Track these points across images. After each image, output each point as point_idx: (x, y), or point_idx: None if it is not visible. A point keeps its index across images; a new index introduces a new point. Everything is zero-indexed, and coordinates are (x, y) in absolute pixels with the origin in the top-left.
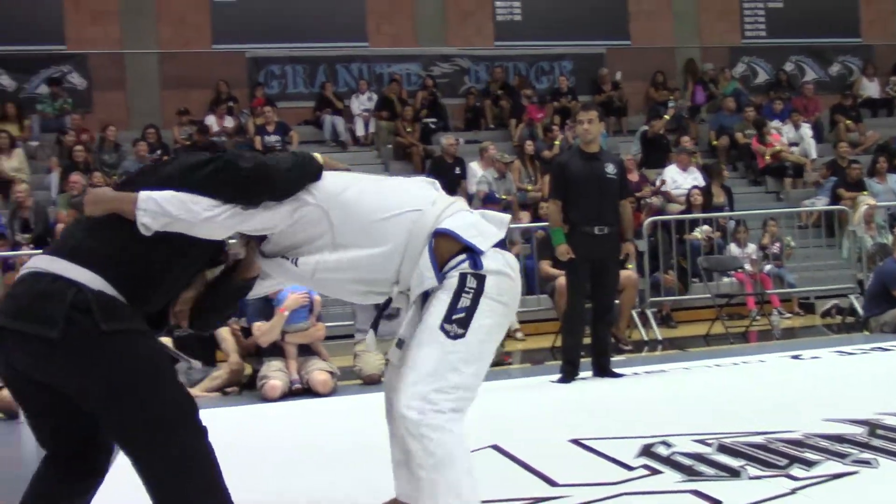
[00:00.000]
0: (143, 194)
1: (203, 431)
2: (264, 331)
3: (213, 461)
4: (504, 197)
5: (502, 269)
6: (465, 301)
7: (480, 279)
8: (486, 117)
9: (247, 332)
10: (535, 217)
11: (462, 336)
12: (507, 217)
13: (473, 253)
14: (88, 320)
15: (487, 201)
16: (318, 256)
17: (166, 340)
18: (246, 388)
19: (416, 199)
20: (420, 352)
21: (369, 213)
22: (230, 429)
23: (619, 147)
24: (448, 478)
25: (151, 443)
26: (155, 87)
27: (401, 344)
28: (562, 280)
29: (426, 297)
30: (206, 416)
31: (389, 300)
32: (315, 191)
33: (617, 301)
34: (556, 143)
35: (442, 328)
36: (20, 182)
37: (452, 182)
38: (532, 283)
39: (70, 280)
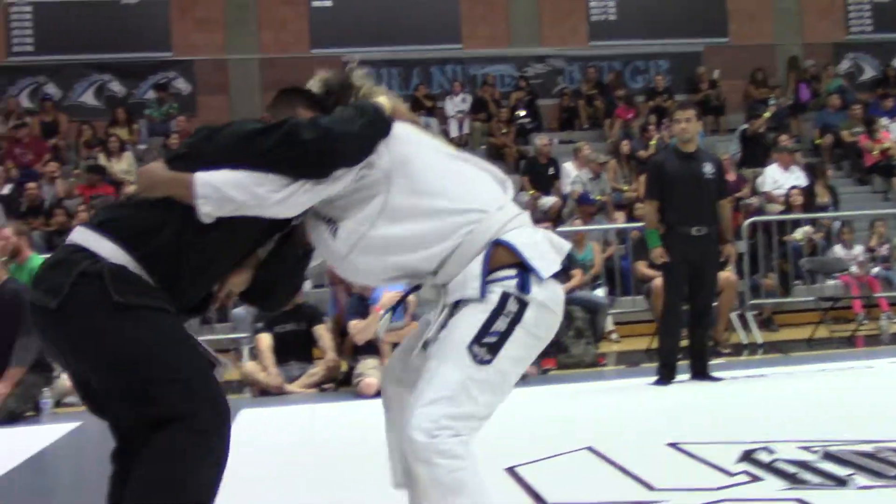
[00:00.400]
0: (200, 179)
1: (207, 433)
2: (360, 329)
3: (207, 465)
4: (598, 197)
5: (547, 303)
6: (500, 325)
7: (522, 305)
8: (581, 117)
9: (342, 330)
10: (631, 217)
11: (488, 362)
12: (567, 245)
13: (525, 272)
14: (98, 290)
15: (581, 202)
16: (363, 230)
17: (266, 337)
18: (342, 384)
19: (482, 199)
20: (441, 369)
21: (431, 196)
22: (327, 424)
23: (717, 146)
24: None
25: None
26: (256, 91)
27: (427, 346)
28: (658, 281)
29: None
30: (304, 411)
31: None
32: (384, 152)
33: (715, 303)
34: (652, 142)
35: (470, 349)
36: (129, 184)
37: (546, 183)
38: (627, 283)
39: (89, 251)
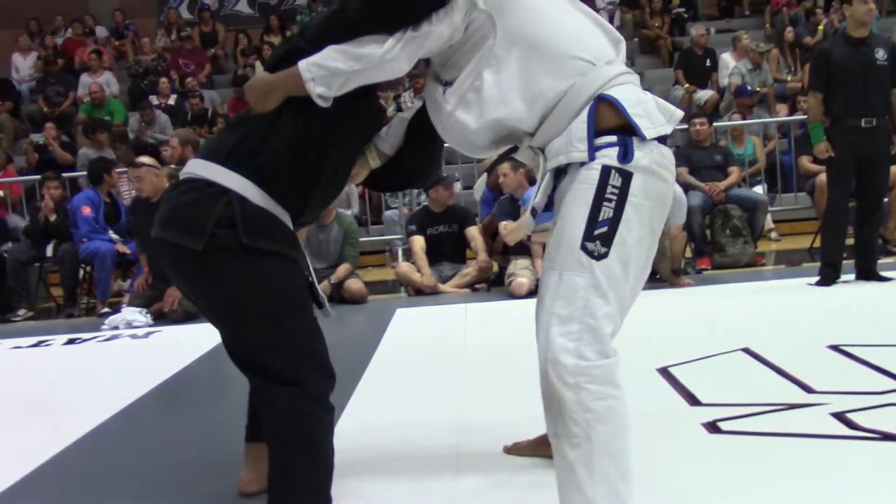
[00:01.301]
0: (303, 63)
1: (322, 399)
2: (511, 229)
3: (327, 427)
4: (759, 89)
5: (654, 169)
6: (606, 211)
7: (626, 177)
8: (742, 4)
9: (494, 232)
10: (793, 110)
11: (606, 255)
12: (679, 112)
13: (628, 136)
14: (231, 233)
15: (738, 94)
16: (470, 80)
17: (419, 239)
18: (494, 284)
19: (591, 49)
20: (564, 280)
21: (536, 39)
22: (479, 324)
23: (894, 29)
24: (603, 435)
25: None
26: None
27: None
28: (822, 177)
29: (559, 172)
30: (457, 311)
31: (514, 148)
32: None
33: (886, 199)
34: (820, 27)
35: (584, 247)
36: None
37: (703, 75)
38: (789, 180)
39: (222, 187)
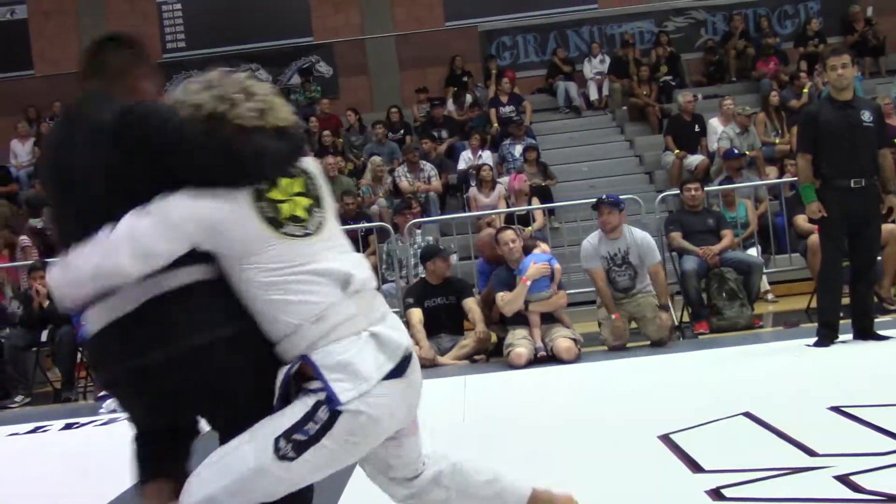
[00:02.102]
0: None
1: None
2: (508, 300)
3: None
4: (747, 152)
5: (368, 410)
6: (311, 427)
7: (333, 416)
8: (730, 70)
9: (491, 303)
10: (782, 172)
11: (290, 460)
12: (404, 343)
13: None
14: None
15: (727, 157)
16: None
17: (416, 311)
18: (492, 355)
19: (298, 312)
20: (240, 449)
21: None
22: (480, 395)
23: (878, 90)
24: None
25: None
26: (394, 70)
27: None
28: (815, 237)
29: None
30: (457, 383)
31: None
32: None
33: (879, 258)
34: (805, 91)
35: (276, 441)
36: None
37: (692, 140)
38: (782, 241)
39: None
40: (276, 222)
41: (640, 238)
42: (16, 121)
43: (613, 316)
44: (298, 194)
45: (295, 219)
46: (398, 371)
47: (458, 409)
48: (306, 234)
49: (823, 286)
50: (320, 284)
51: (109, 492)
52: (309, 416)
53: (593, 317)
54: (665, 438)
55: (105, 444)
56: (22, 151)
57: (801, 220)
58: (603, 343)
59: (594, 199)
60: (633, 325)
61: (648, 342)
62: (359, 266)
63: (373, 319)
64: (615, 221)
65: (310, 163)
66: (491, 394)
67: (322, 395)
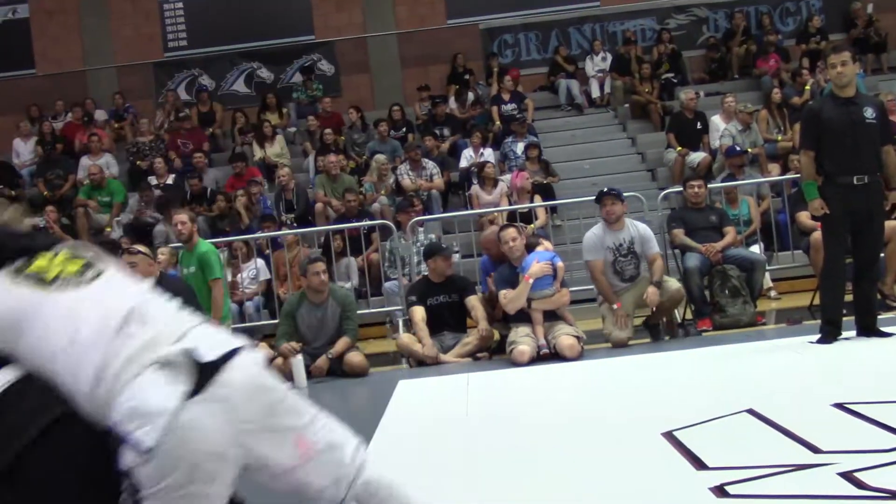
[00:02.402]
0: None
1: None
2: (510, 298)
3: None
4: (749, 150)
5: (171, 445)
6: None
7: (145, 462)
8: (732, 67)
9: (494, 300)
10: (785, 169)
11: None
12: (207, 356)
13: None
14: None
15: (730, 154)
16: None
17: (419, 309)
18: (495, 353)
19: (84, 372)
20: None
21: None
22: (483, 393)
23: (880, 87)
24: None
25: None
26: (396, 68)
27: None
28: (817, 234)
29: None
30: (460, 381)
31: None
32: None
33: (882, 254)
34: (807, 87)
35: None
36: (283, 166)
37: (695, 138)
38: (785, 238)
39: None
40: (44, 283)
41: (641, 229)
42: (18, 119)
43: (615, 305)
44: (65, 260)
45: (64, 275)
46: (200, 387)
47: (460, 406)
48: (80, 284)
49: (826, 283)
50: (97, 336)
51: None
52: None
53: (596, 314)
54: (668, 435)
55: None
56: (24, 150)
57: (804, 217)
58: (607, 339)
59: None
60: (638, 314)
61: (649, 339)
62: (140, 297)
63: (162, 346)
64: (618, 212)
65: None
66: (494, 391)
67: (130, 450)
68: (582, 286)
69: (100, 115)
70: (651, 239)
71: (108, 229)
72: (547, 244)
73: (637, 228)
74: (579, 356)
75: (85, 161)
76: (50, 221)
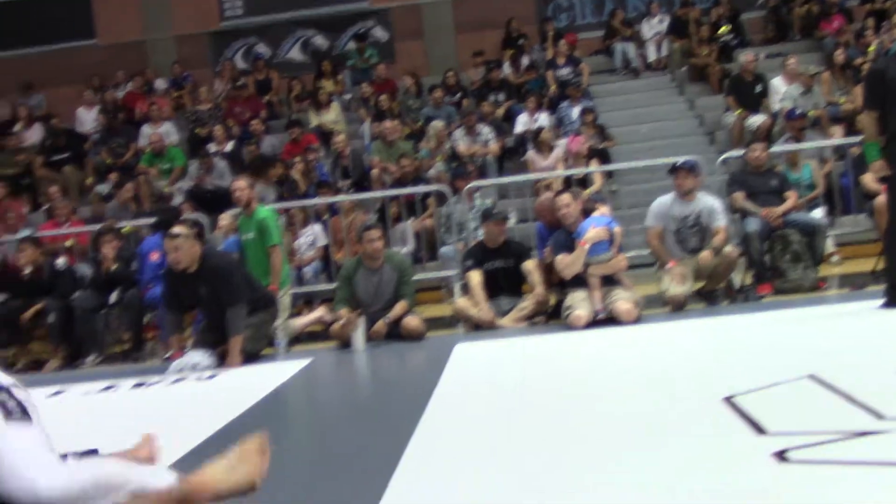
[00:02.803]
0: None
1: None
2: (567, 263)
3: None
4: (811, 112)
5: None
6: None
7: None
8: (793, 28)
9: (550, 266)
10: (849, 131)
11: None
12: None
13: None
14: None
15: (790, 118)
16: None
17: (476, 274)
18: (551, 317)
19: None
20: None
21: None
22: (539, 357)
23: None
24: None
25: None
26: (450, 34)
27: None
28: (881, 198)
29: None
30: (516, 344)
31: None
32: None
33: None
34: (871, 49)
35: None
36: (338, 133)
37: (754, 101)
38: (848, 202)
39: None
40: None
41: (710, 202)
42: (81, 89)
43: (670, 263)
44: None
45: None
46: None
47: (517, 370)
48: None
49: (890, 246)
50: None
51: (178, 449)
52: None
53: (654, 280)
54: (729, 401)
55: (172, 403)
56: (87, 119)
57: (868, 180)
58: (664, 300)
59: (654, 162)
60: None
61: (704, 304)
62: None
63: None
64: (689, 185)
65: None
66: (550, 355)
67: None
68: (640, 251)
69: (159, 84)
70: (719, 212)
71: (169, 195)
72: (603, 209)
73: (707, 201)
74: (636, 321)
75: (146, 129)
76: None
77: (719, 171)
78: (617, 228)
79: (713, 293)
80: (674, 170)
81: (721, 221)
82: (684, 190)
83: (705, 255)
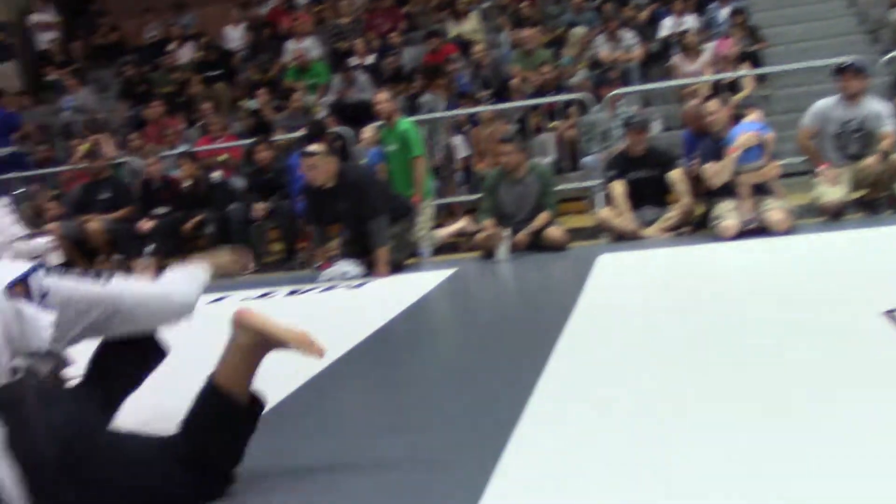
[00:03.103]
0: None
1: None
2: (715, 171)
3: None
4: None
5: None
6: None
7: None
8: None
9: (697, 175)
10: None
11: None
12: None
13: None
14: None
15: None
16: None
17: (619, 184)
18: (698, 227)
19: None
20: None
21: None
22: (686, 268)
23: None
24: None
25: None
26: None
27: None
28: None
29: None
30: (662, 255)
31: None
32: None
33: None
34: None
35: None
36: (478, 42)
37: None
38: None
39: None
40: None
41: (877, 106)
42: (228, 7)
43: (822, 166)
44: None
45: None
46: None
47: (662, 280)
48: None
49: None
50: None
51: (332, 352)
52: None
53: (808, 188)
54: (890, 314)
55: (325, 309)
56: (234, 36)
57: None
58: (819, 208)
59: (810, 64)
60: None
61: (865, 213)
62: None
63: None
64: (856, 88)
65: None
66: (697, 266)
67: None
68: (793, 159)
69: None
70: (887, 116)
71: (316, 110)
72: (755, 115)
73: (873, 106)
74: (789, 231)
75: (290, 45)
76: (262, 104)
77: (884, 72)
78: (769, 135)
79: (875, 202)
80: (840, 71)
81: (889, 126)
82: (850, 92)
83: (871, 160)
